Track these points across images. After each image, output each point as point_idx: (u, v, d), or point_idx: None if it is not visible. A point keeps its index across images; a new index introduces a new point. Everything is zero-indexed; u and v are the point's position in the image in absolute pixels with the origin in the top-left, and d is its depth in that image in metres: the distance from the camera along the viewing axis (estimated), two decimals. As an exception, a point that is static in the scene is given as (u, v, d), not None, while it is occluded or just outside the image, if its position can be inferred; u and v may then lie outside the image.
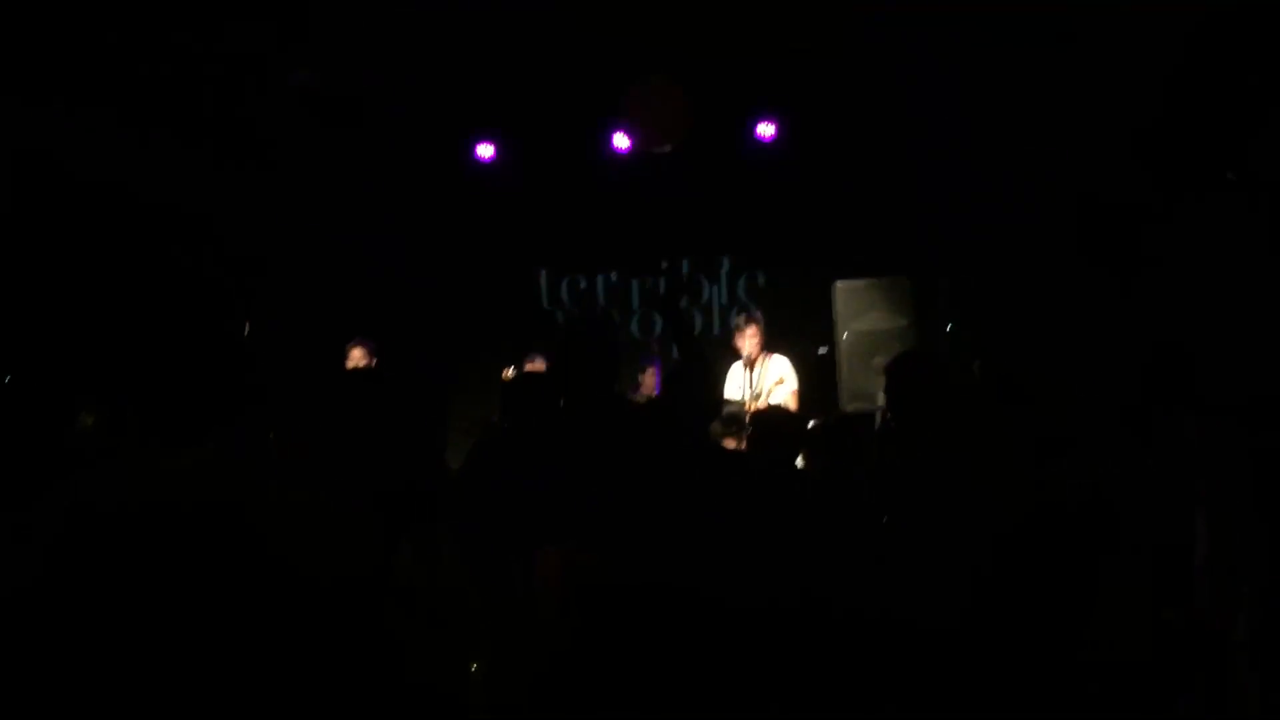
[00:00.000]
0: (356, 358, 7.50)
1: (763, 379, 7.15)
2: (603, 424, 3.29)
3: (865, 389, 7.25)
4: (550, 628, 2.59)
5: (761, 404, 6.81)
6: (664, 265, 9.13)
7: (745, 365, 7.11)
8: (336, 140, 8.40)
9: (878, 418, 6.76)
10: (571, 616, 2.59)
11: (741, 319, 7.21)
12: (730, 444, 5.23)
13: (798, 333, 7.90)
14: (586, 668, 2.55)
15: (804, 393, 7.25)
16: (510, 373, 7.17)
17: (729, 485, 3.60)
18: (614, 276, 9.36)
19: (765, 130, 8.35)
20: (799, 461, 4.67)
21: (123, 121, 6.88)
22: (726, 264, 9.24)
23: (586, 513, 2.77)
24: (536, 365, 7.19)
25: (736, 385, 7.09)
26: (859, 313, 7.51)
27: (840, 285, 7.61)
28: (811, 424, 4.99)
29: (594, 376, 3.59)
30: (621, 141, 8.42)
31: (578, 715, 2.57)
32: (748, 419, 6.24)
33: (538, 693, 2.65)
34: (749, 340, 7.08)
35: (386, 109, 8.21)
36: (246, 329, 6.72)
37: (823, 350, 7.88)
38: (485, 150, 8.58)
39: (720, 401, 5.79)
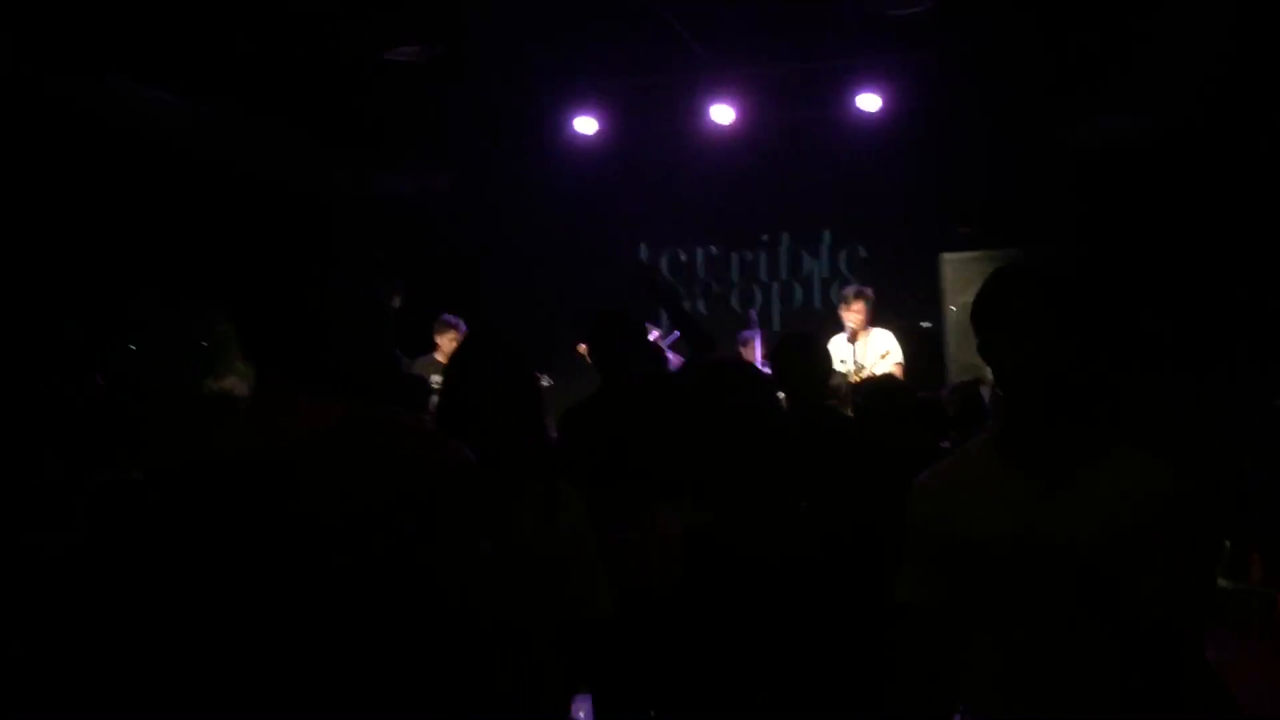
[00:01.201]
0: (449, 338, 7.58)
1: (866, 352, 7.08)
2: (714, 389, 3.29)
3: (973, 363, 7.11)
4: (667, 584, 2.60)
5: (866, 375, 6.75)
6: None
7: (849, 339, 7.05)
8: (436, 117, 8.52)
9: (986, 392, 6.63)
10: (688, 576, 2.60)
11: (851, 292, 7.16)
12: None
13: (900, 307, 7.80)
14: (702, 626, 2.56)
15: (908, 367, 7.16)
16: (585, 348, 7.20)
17: (837, 450, 3.56)
18: (714, 250, 9.34)
19: (869, 102, 8.22)
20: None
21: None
22: (828, 237, 9.15)
23: (701, 474, 2.76)
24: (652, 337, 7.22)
25: (839, 358, 7.02)
26: (967, 286, 7.38)
27: (947, 257, 7.51)
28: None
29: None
30: (723, 115, 8.37)
31: (692, 674, 2.58)
32: (851, 389, 6.21)
33: (654, 649, 2.67)
34: (854, 314, 7.04)
35: (487, 86, 8.29)
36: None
37: (926, 324, 7.78)
38: (587, 124, 8.60)
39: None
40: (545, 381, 7.17)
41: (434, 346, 7.61)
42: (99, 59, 6.43)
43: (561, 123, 8.64)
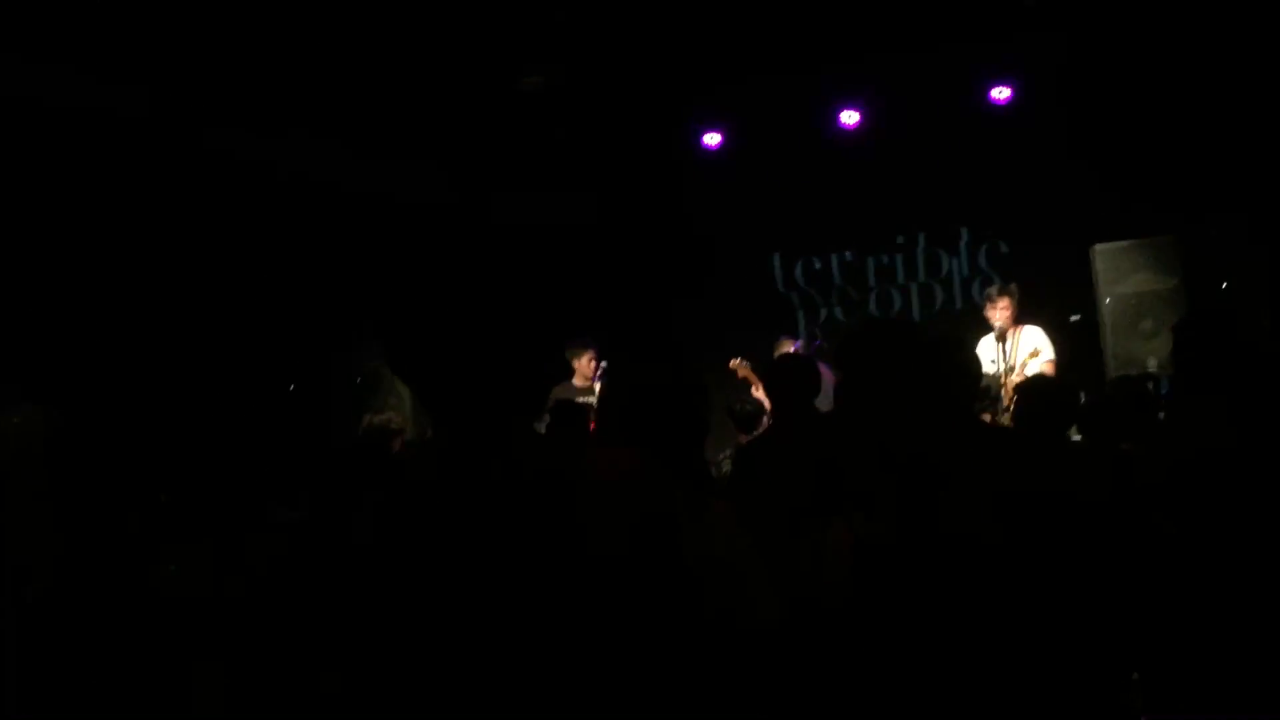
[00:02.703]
0: (585, 361, 7.63)
1: (1016, 351, 6.87)
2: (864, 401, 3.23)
3: (1134, 354, 6.87)
4: (839, 596, 2.56)
5: (1017, 377, 6.54)
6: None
7: (997, 338, 6.85)
8: (564, 139, 8.62)
9: (1150, 385, 6.36)
10: (862, 585, 2.55)
11: (994, 290, 6.98)
12: (984, 419, 5.03)
13: (1045, 301, 7.53)
14: (875, 636, 2.51)
15: (1061, 362, 6.91)
16: (740, 363, 7.16)
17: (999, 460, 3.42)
18: (848, 255, 9.19)
19: (1000, 92, 7.98)
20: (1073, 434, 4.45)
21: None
22: (965, 235, 8.91)
23: (864, 484, 2.71)
24: (785, 347, 7.17)
25: (989, 359, 6.82)
26: (1122, 276, 7.13)
27: (1099, 248, 7.24)
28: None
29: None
30: (849, 117, 8.25)
31: (860, 686, 2.53)
32: (1004, 392, 6.02)
33: (825, 660, 2.63)
34: (1001, 312, 6.85)
35: (614, 104, 8.35)
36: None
37: (1075, 318, 7.50)
38: (712, 138, 8.58)
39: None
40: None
41: (571, 372, 7.67)
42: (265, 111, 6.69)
43: (689, 137, 8.63)
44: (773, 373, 4.07)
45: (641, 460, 1.54)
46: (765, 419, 5.47)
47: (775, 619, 2.59)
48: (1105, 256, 7.20)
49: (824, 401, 5.71)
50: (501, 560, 1.47)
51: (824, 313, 9.18)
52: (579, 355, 7.74)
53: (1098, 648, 3.54)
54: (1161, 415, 4.36)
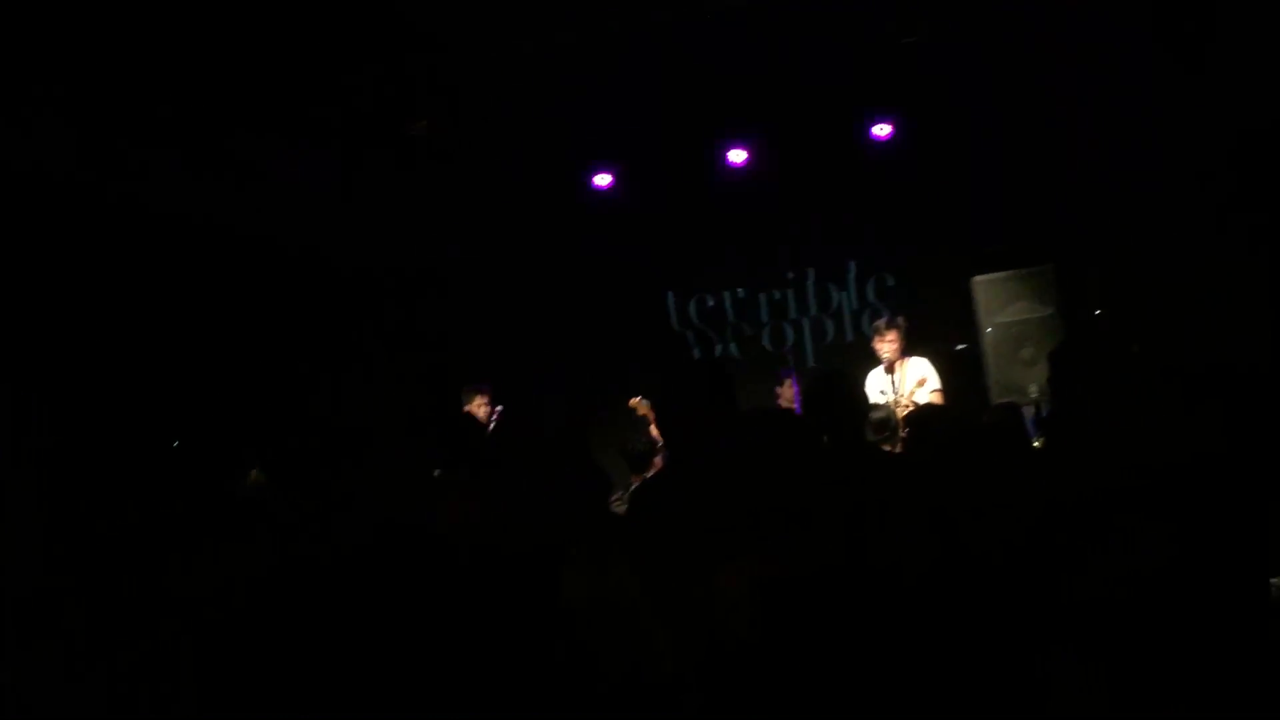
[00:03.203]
0: (476, 405, 7.62)
1: (904, 382, 7.01)
2: (759, 438, 3.27)
3: (1015, 382, 7.07)
4: (735, 637, 2.56)
5: (906, 407, 6.67)
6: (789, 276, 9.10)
7: (886, 369, 6.99)
8: (454, 182, 8.59)
9: (1030, 409, 6.56)
10: (757, 625, 2.55)
11: (883, 323, 7.09)
12: (885, 449, 5.13)
13: (932, 331, 7.74)
14: (773, 676, 2.52)
15: (946, 391, 7.09)
16: (638, 401, 7.18)
17: (894, 486, 3.50)
18: (741, 292, 9.32)
19: (881, 130, 8.22)
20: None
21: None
22: (853, 269, 9.11)
23: (758, 525, 2.73)
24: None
25: (878, 390, 6.96)
26: (1001, 305, 7.35)
27: (979, 279, 7.46)
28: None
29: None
30: (736, 156, 8.39)
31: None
32: (899, 421, 6.14)
33: (722, 704, 2.62)
34: (889, 344, 6.97)
35: (502, 147, 8.36)
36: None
37: (962, 346, 7.71)
38: (602, 179, 8.63)
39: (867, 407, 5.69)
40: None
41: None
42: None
43: (579, 178, 8.68)
44: (663, 410, 4.05)
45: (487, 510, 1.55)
46: (658, 458, 5.47)
47: (673, 669, 2.60)
48: (984, 287, 7.41)
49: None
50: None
51: (719, 349, 9.28)
52: (472, 399, 7.71)
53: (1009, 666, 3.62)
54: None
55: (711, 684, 2.61)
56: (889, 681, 2.50)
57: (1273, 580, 5.38)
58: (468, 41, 6.48)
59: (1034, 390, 6.79)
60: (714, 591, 2.54)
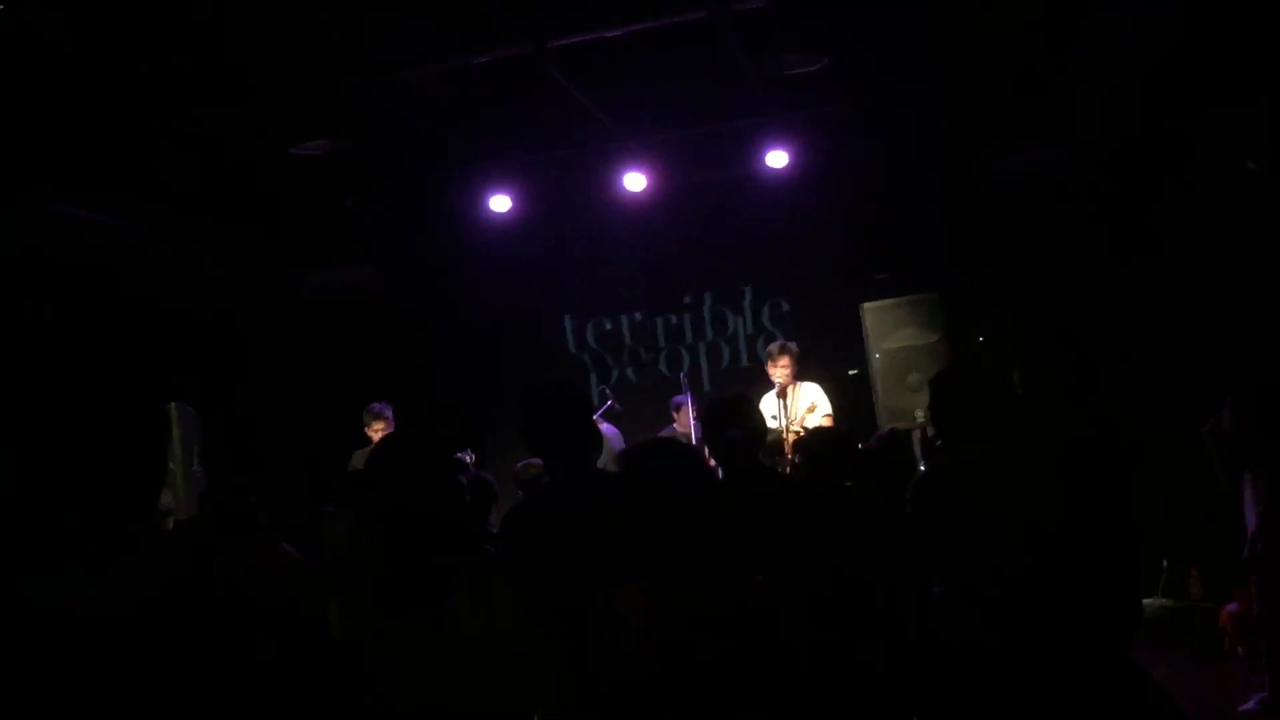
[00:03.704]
0: (376, 428, 7.55)
1: (795, 406, 7.13)
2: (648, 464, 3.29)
3: (902, 406, 7.25)
4: (629, 665, 2.56)
5: (797, 430, 6.79)
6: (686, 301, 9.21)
7: (778, 394, 7.10)
8: (359, 204, 8.53)
9: (917, 434, 6.74)
10: (652, 652, 2.56)
11: (775, 348, 7.20)
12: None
13: (824, 357, 7.91)
14: (665, 701, 2.53)
15: (838, 415, 7.24)
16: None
17: (782, 510, 3.55)
18: (638, 316, 9.39)
19: (777, 159, 8.38)
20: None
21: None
22: (749, 294, 9.26)
23: (648, 550, 2.74)
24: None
25: (770, 414, 7.05)
26: (889, 332, 7.53)
27: (868, 306, 7.64)
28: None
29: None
30: (634, 183, 8.47)
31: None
32: (788, 446, 6.23)
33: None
34: (781, 369, 7.08)
35: (399, 167, 8.31)
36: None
37: (853, 372, 7.89)
38: (501, 203, 8.63)
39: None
40: (469, 458, 7.14)
41: (367, 440, 7.53)
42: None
43: (478, 202, 8.66)
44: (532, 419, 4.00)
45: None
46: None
47: (562, 699, 2.61)
48: (873, 314, 7.60)
49: (610, 461, 5.79)
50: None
51: (615, 373, 9.33)
52: (373, 422, 7.63)
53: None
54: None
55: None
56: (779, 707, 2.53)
57: (1145, 601, 5.59)
58: (362, 61, 6.43)
59: (920, 415, 6.96)
60: (598, 617, 2.55)
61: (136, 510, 1.64)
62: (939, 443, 4.62)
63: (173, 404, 7.18)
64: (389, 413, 7.66)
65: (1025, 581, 3.19)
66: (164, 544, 1.64)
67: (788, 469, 5.39)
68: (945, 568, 3.53)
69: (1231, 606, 5.92)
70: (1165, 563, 7.11)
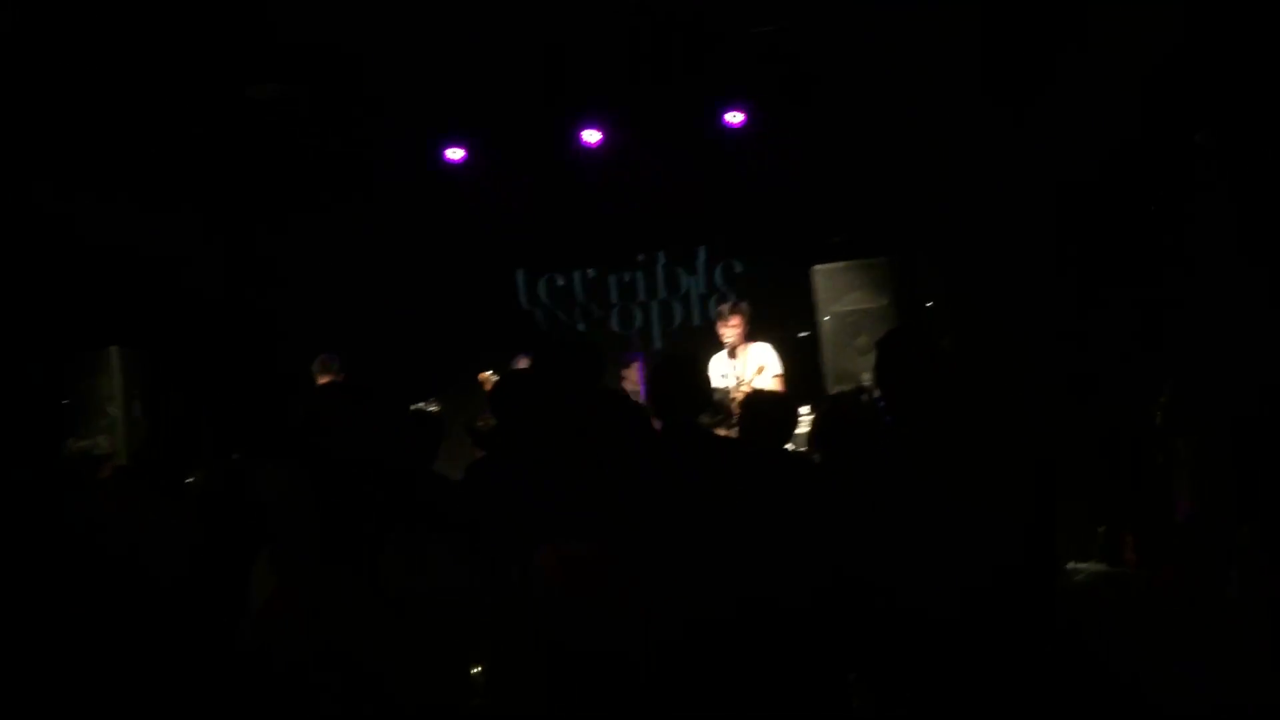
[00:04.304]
0: (324, 374, 7.48)
1: (746, 366, 7.15)
2: (595, 421, 3.30)
3: (849, 369, 7.30)
4: (553, 624, 2.57)
5: (746, 390, 6.81)
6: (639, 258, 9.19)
7: (729, 354, 7.12)
8: (303, 150, 8.39)
9: (864, 397, 6.77)
10: (573, 612, 2.58)
11: (726, 308, 7.21)
12: (719, 433, 5.21)
13: (777, 318, 7.92)
14: (588, 664, 2.54)
15: (787, 377, 7.26)
16: (488, 375, 7.14)
17: (725, 472, 3.56)
18: (591, 273, 9.35)
19: (734, 117, 8.33)
20: (790, 445, 4.68)
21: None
22: (703, 254, 9.25)
23: (585, 509, 2.75)
24: (522, 364, 7.17)
25: (720, 374, 7.09)
26: (839, 295, 7.57)
27: (819, 269, 7.66)
28: (806, 409, 4.97)
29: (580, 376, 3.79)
30: (591, 136, 8.39)
31: (583, 713, 2.56)
32: (734, 406, 6.25)
33: (541, 690, 2.64)
34: (732, 329, 7.10)
35: (353, 115, 8.18)
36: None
37: (803, 334, 7.91)
38: (455, 153, 8.53)
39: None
40: (433, 407, 7.10)
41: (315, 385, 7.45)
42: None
43: (431, 153, 8.55)
44: (498, 389, 4.05)
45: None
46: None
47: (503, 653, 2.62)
48: (823, 276, 7.62)
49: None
50: None
51: (566, 329, 9.30)
52: (323, 372, 7.55)
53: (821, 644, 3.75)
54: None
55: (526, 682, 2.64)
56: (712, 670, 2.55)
57: (1069, 566, 5.70)
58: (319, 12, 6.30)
59: (867, 378, 7.00)
60: (531, 571, 2.57)
61: None
62: (885, 411, 4.66)
63: (115, 347, 7.09)
64: (337, 363, 7.59)
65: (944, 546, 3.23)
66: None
67: (732, 429, 5.40)
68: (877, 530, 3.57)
69: (1165, 572, 6.04)
70: (1101, 529, 7.23)
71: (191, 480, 4.03)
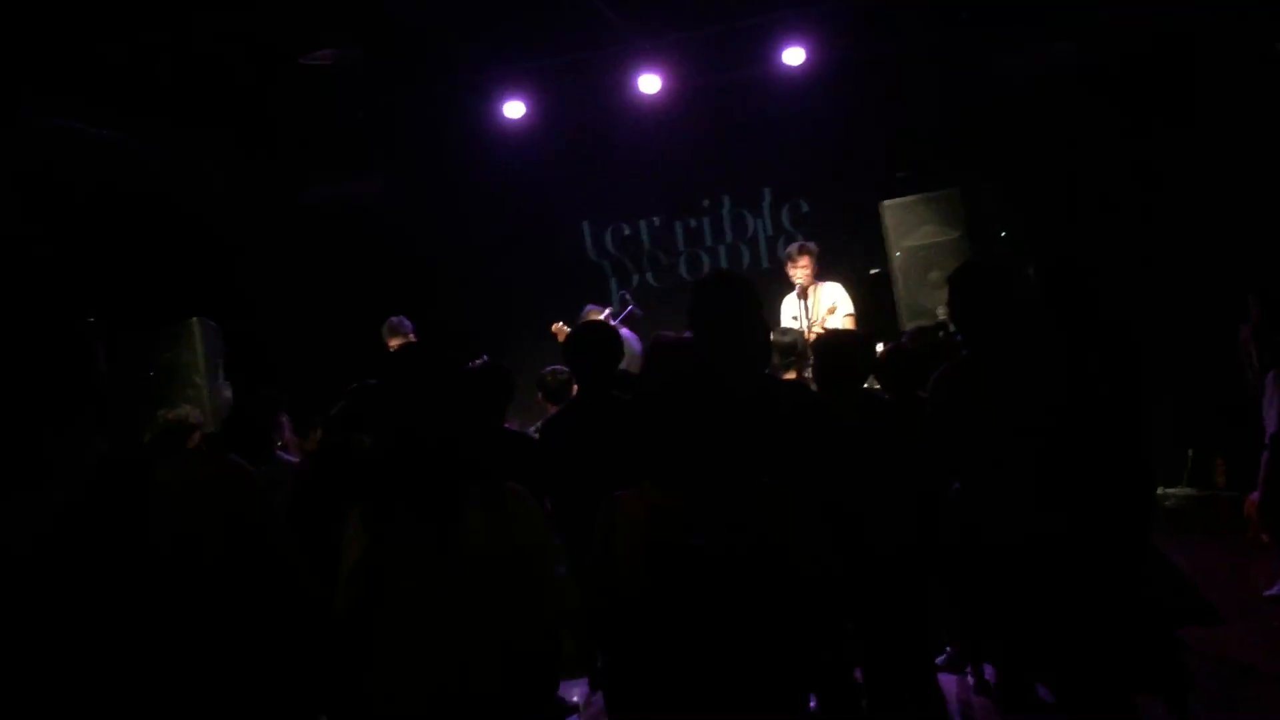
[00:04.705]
0: (397, 342, 7.52)
1: (817, 307, 7.09)
2: (669, 370, 3.29)
3: (924, 305, 7.20)
4: (633, 572, 2.58)
5: (819, 331, 6.75)
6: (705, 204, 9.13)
7: (799, 295, 7.06)
8: (368, 114, 8.44)
9: (941, 333, 6.68)
10: (655, 559, 2.58)
11: (794, 249, 7.14)
12: (790, 375, 5.16)
13: (847, 256, 7.84)
14: (667, 613, 2.55)
15: (860, 315, 7.19)
16: (560, 326, 7.17)
17: (797, 418, 3.52)
18: (657, 221, 9.32)
19: (794, 57, 8.18)
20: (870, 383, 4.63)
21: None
22: (768, 196, 9.15)
23: (665, 457, 2.74)
24: (594, 315, 7.18)
25: (791, 315, 7.04)
26: (910, 229, 7.46)
27: (887, 204, 7.55)
28: (880, 347, 4.90)
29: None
30: (649, 85, 8.31)
31: (659, 659, 2.57)
32: (807, 348, 6.21)
33: (620, 638, 2.66)
34: (801, 270, 7.04)
35: (416, 81, 8.21)
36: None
37: (874, 271, 7.81)
38: (515, 109, 8.52)
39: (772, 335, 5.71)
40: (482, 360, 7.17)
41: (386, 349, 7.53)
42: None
43: (491, 109, 8.56)
44: (570, 342, 4.06)
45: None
46: (575, 388, 5.46)
47: (577, 603, 2.64)
48: (893, 211, 7.51)
49: (632, 366, 5.79)
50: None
51: (635, 278, 9.30)
52: (393, 336, 7.61)
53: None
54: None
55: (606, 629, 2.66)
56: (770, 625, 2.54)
57: (1159, 491, 5.59)
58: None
59: (942, 312, 6.91)
60: (613, 520, 2.57)
61: (54, 431, 1.64)
62: (959, 339, 4.57)
63: (195, 319, 7.24)
64: (407, 325, 7.64)
65: (1038, 475, 3.18)
66: (83, 468, 1.63)
67: (806, 371, 5.35)
68: (963, 464, 3.53)
69: (1255, 495, 5.92)
70: (1191, 453, 7.11)
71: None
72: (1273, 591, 5.22)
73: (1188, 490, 7.03)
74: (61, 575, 1.50)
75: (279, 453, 4.18)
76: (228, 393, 7.04)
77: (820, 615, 2.77)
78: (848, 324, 6.97)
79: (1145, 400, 3.50)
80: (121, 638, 1.52)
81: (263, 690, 3.01)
